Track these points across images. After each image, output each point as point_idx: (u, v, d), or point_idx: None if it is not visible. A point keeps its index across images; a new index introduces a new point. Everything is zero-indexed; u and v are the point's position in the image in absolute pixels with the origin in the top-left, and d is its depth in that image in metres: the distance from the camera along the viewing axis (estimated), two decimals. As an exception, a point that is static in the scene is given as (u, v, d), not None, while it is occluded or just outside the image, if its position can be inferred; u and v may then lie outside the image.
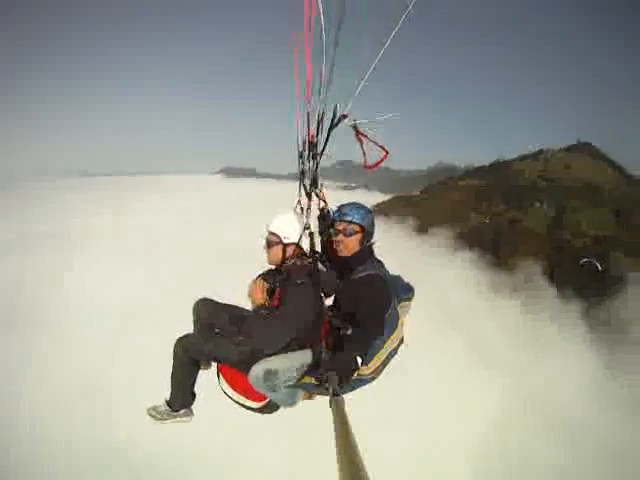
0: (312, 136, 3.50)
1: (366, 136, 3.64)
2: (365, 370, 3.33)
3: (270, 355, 3.25)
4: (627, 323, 44.43)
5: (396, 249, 60.22)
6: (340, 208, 3.69)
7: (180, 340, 3.59)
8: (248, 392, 3.51)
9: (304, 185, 3.82)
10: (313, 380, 3.23)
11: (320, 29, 2.92)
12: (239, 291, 3.75)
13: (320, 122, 3.40)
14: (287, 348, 3.27)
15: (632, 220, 57.39)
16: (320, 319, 3.48)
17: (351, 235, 3.57)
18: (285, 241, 3.52)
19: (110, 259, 70.23)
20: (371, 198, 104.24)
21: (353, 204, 3.70)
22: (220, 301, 3.89)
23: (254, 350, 3.31)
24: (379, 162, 3.73)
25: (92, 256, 70.43)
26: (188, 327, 3.83)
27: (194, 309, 3.86)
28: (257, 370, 3.17)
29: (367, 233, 3.65)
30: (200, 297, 3.91)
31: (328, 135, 3.47)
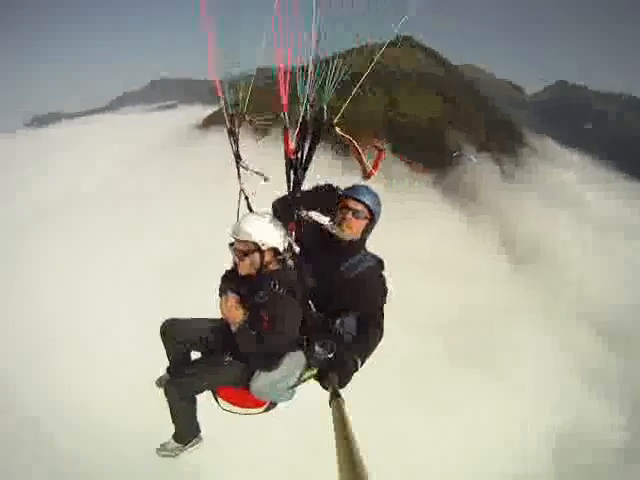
0: (292, 151, 2.91)
1: (359, 149, 3.22)
2: None
3: (265, 364, 3.24)
4: (473, 186, 53.27)
5: (250, 152, 61.13)
6: (354, 187, 3.32)
7: (170, 384, 3.43)
8: (249, 402, 3.45)
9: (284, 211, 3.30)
10: (311, 373, 3.28)
11: None
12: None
13: (303, 132, 2.85)
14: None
15: (456, 101, 64.65)
16: (307, 319, 3.27)
17: (359, 219, 3.24)
18: (263, 248, 3.15)
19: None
20: (194, 113, 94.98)
21: (368, 187, 3.34)
22: (187, 317, 3.61)
23: (250, 365, 3.28)
24: (377, 163, 3.28)
25: None
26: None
27: (162, 333, 3.56)
28: (260, 385, 3.21)
29: (373, 223, 3.36)
30: (166, 318, 3.59)
31: (312, 149, 2.95)
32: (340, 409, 1.63)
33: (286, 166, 3.03)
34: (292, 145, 2.90)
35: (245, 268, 3.25)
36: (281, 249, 3.25)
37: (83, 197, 55.58)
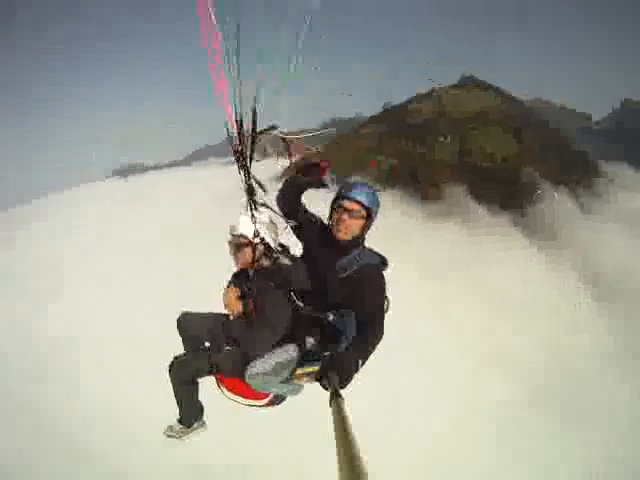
0: (235, 145, 3.29)
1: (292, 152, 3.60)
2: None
3: (257, 356, 3.40)
4: (552, 223, 52.51)
5: (322, 204, 62.76)
6: (352, 185, 3.36)
7: (172, 365, 3.72)
8: (251, 393, 3.61)
9: (249, 200, 3.55)
10: (307, 370, 3.35)
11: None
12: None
13: (241, 128, 3.19)
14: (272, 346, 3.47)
15: (527, 137, 64.49)
16: (296, 314, 3.44)
17: (357, 218, 3.31)
18: (255, 240, 3.53)
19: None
20: (271, 166, 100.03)
21: (365, 185, 3.40)
22: (200, 312, 3.95)
23: (243, 356, 3.44)
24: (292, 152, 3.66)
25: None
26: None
27: (178, 325, 3.93)
28: (250, 374, 3.34)
29: (371, 220, 3.42)
30: (181, 312, 3.94)
31: (253, 143, 3.30)
32: (340, 409, 1.64)
33: (235, 157, 3.36)
34: (235, 140, 3.24)
35: (239, 262, 3.60)
36: (272, 245, 3.57)
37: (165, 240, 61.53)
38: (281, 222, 3.68)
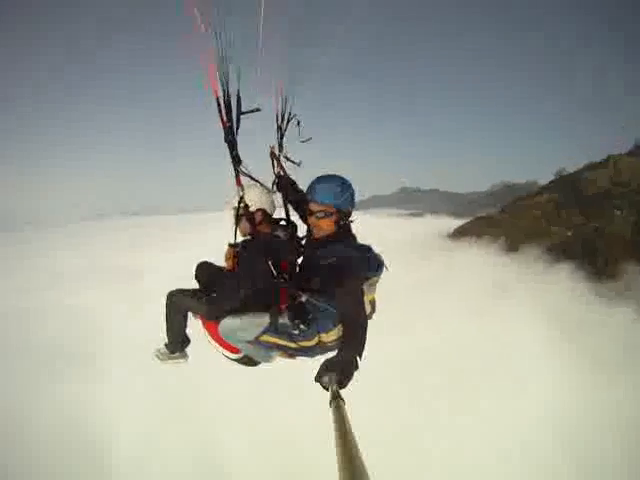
0: (224, 122, 3.50)
1: (279, 159, 4.34)
2: (325, 338, 3.40)
3: (233, 312, 3.65)
4: None
5: (494, 268, 65.65)
6: (315, 185, 3.40)
7: (168, 295, 4.12)
8: (226, 344, 3.89)
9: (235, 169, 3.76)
10: (272, 339, 3.57)
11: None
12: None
13: (228, 107, 3.45)
14: (249, 308, 3.63)
15: None
16: (273, 284, 3.60)
17: (325, 217, 3.37)
18: (252, 209, 3.78)
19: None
20: (442, 223, 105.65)
21: (330, 180, 3.41)
22: (216, 264, 4.25)
23: (222, 306, 3.69)
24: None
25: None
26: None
27: (195, 270, 4.29)
28: (220, 324, 3.63)
29: (343, 213, 3.44)
30: (201, 260, 4.34)
31: (238, 121, 3.54)
32: (340, 410, 1.59)
33: (225, 134, 3.54)
34: (224, 119, 3.47)
35: (241, 229, 3.87)
36: (269, 212, 3.93)
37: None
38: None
